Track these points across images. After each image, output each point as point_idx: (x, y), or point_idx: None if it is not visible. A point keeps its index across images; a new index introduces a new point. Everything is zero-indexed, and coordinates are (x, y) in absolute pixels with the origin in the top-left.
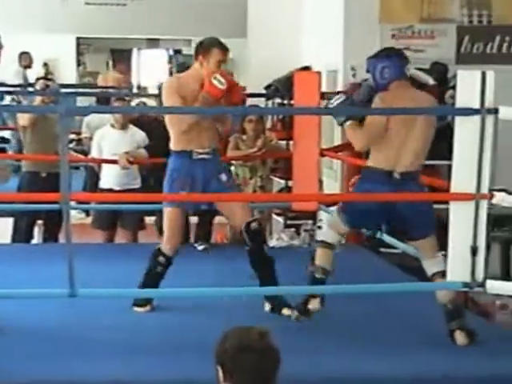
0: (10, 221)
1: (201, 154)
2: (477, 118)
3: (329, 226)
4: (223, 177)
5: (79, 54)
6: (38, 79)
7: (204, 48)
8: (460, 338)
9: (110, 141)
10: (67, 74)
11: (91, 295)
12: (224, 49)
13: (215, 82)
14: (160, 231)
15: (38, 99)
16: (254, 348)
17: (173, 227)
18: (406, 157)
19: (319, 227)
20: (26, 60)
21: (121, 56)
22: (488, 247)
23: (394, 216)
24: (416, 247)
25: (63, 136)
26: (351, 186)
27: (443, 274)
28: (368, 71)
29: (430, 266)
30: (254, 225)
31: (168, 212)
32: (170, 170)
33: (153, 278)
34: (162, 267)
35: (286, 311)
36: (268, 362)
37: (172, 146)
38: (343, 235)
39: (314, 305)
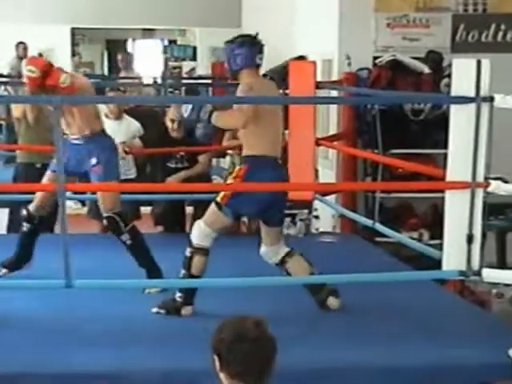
0: (5, 211)
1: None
2: (472, 107)
3: (208, 226)
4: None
5: (74, 44)
6: None
7: None
8: (333, 302)
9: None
10: (62, 64)
11: (87, 286)
12: None
13: (27, 73)
14: (156, 221)
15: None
16: (249, 337)
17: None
18: (279, 143)
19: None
20: (20, 50)
21: (116, 46)
22: (484, 236)
23: (273, 204)
24: (266, 234)
25: (57, 127)
26: (236, 178)
27: (289, 254)
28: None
29: (277, 251)
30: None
31: None
32: None
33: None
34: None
35: None
36: (264, 351)
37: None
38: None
39: (187, 311)
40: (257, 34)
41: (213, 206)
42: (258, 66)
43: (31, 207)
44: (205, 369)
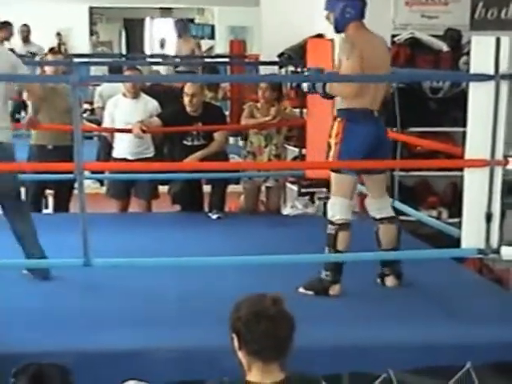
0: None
1: None
2: (491, 84)
3: (339, 195)
4: None
5: (92, 23)
6: (50, 50)
7: None
8: (391, 280)
9: (123, 110)
10: (80, 43)
11: (105, 265)
12: None
13: None
14: (173, 200)
15: (49, 70)
16: (267, 315)
17: None
18: (379, 97)
19: None
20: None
21: (133, 25)
22: (503, 214)
23: (376, 150)
24: (369, 184)
25: (76, 106)
26: (337, 135)
27: (391, 220)
28: (327, 9)
29: (381, 206)
30: None
31: None
32: None
33: None
34: None
35: None
36: (282, 329)
37: None
38: (353, 195)
39: (335, 290)
40: None
41: (332, 175)
42: (363, 19)
43: None
44: (224, 347)
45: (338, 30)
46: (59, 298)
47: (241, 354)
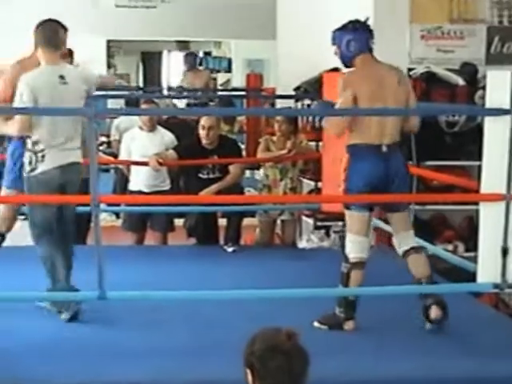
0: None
1: None
2: (507, 119)
3: (353, 233)
4: None
5: (109, 56)
6: None
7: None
8: (435, 311)
9: (139, 143)
10: None
11: (120, 298)
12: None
13: None
14: (189, 233)
15: None
16: (281, 349)
17: None
18: (389, 129)
19: None
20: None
21: (151, 58)
22: None
23: (387, 185)
24: (393, 222)
25: (92, 139)
26: (344, 172)
27: (417, 249)
28: (334, 44)
29: (404, 240)
30: None
31: None
32: None
33: None
34: None
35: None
36: (296, 364)
37: None
38: (369, 232)
39: (349, 326)
40: (367, 19)
41: (346, 212)
42: (371, 51)
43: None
44: (238, 381)
45: (345, 65)
46: (73, 330)
47: None
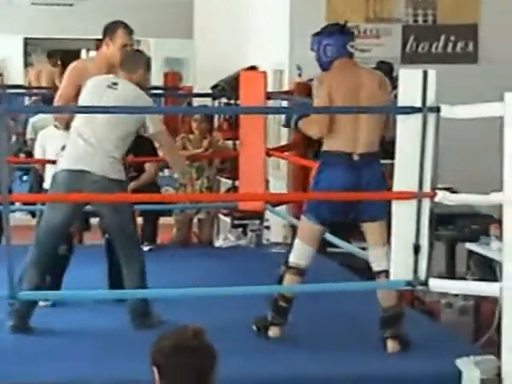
0: None
1: None
2: (418, 117)
3: (301, 241)
4: None
5: (27, 54)
6: None
7: (109, 30)
8: (391, 344)
9: (54, 141)
10: (15, 74)
11: (30, 298)
12: (129, 31)
13: None
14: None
15: None
16: (187, 346)
17: None
18: (363, 137)
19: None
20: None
21: (69, 57)
22: (431, 245)
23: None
24: (366, 232)
25: (3, 136)
26: (312, 178)
27: (388, 273)
28: (312, 49)
29: (377, 260)
30: None
31: None
32: None
33: None
34: None
35: None
36: (203, 361)
37: None
38: (317, 243)
39: (274, 332)
40: (346, 22)
41: (301, 217)
42: (350, 55)
43: None
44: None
45: (323, 71)
46: None
47: None
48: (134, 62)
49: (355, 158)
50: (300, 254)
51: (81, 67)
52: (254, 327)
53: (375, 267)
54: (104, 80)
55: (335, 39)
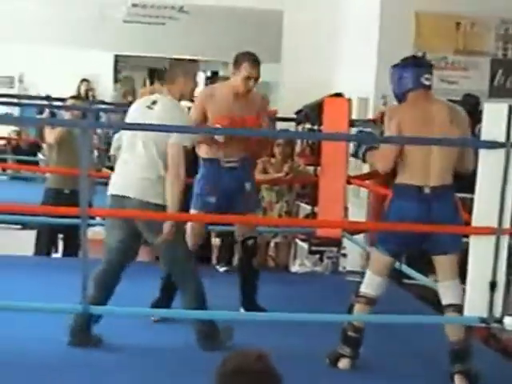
0: (32, 233)
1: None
2: (501, 152)
3: (372, 271)
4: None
5: (117, 71)
6: (72, 97)
7: (235, 61)
8: (459, 380)
9: None
10: (105, 90)
11: (104, 312)
12: (254, 64)
13: None
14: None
15: (66, 115)
16: (250, 370)
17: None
18: (435, 170)
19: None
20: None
21: (158, 75)
22: (508, 283)
23: (430, 235)
24: (437, 266)
25: (86, 151)
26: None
27: (458, 308)
28: (390, 81)
29: (446, 293)
30: (250, 242)
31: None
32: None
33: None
34: None
35: None
36: None
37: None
38: (387, 274)
39: (344, 364)
40: (424, 54)
41: (373, 248)
42: (425, 87)
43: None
44: None
45: (398, 101)
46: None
47: None
48: (172, 71)
49: (426, 191)
50: (370, 283)
51: (208, 93)
52: (327, 360)
53: (444, 300)
54: (145, 101)
55: (410, 71)
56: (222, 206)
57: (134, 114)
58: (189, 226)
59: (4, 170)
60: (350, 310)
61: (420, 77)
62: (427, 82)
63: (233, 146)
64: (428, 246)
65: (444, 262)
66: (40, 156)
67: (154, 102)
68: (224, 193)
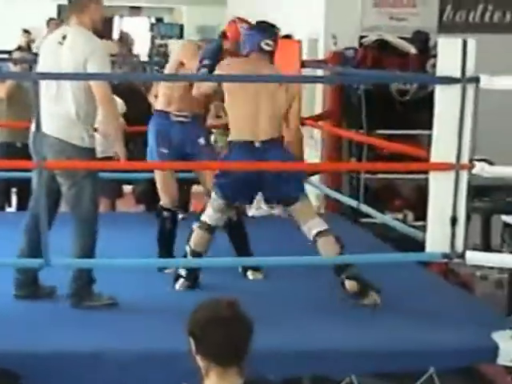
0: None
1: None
2: (457, 87)
3: (212, 208)
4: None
5: (61, 21)
6: (17, 48)
7: None
8: (349, 284)
9: None
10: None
11: (64, 265)
12: None
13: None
14: (137, 200)
15: (14, 68)
16: (222, 318)
17: (163, 181)
18: (264, 125)
19: None
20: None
21: (103, 23)
22: (468, 218)
23: (263, 185)
24: (294, 214)
25: (37, 103)
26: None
27: (324, 232)
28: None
29: (311, 229)
30: None
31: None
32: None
33: (166, 238)
34: (170, 222)
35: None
36: (238, 332)
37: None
38: (226, 212)
39: (179, 284)
40: (274, 25)
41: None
42: (263, 52)
43: (168, 204)
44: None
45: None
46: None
47: (198, 359)
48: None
49: (257, 145)
50: (209, 216)
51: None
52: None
53: (313, 232)
54: (55, 36)
55: (254, 35)
56: (176, 160)
57: (45, 50)
58: (159, 182)
59: None
60: (190, 235)
61: (261, 41)
62: (267, 48)
63: (185, 101)
64: (271, 195)
65: (300, 209)
66: None
67: (64, 37)
68: (175, 146)
